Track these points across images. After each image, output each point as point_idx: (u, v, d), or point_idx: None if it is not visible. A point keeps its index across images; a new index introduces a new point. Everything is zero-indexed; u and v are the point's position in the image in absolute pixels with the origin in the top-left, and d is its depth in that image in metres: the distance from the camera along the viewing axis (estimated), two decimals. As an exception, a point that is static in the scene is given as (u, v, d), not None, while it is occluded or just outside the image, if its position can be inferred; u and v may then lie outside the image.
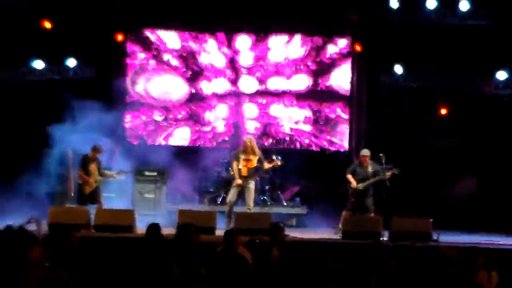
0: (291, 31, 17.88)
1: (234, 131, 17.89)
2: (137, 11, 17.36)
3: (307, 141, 17.95)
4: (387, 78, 17.22)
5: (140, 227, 12.43)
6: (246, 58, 17.96)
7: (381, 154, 14.04)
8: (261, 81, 17.99)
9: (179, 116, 17.94)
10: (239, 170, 13.98)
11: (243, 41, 17.93)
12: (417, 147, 16.94)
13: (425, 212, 13.79)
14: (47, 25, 16.57)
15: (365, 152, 14.35)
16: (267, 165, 14.24)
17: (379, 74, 17.27)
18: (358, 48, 17.42)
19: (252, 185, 14.03)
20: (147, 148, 17.37)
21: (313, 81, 17.94)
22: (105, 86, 16.75)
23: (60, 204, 15.18)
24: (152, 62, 17.86)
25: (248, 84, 17.99)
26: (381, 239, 12.57)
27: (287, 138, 17.95)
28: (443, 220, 13.55)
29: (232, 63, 17.94)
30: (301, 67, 17.91)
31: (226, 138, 17.87)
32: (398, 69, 17.04)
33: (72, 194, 14.73)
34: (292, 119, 17.99)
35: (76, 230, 9.93)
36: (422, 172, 16.58)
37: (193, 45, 17.85)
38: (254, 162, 14.04)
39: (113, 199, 15.35)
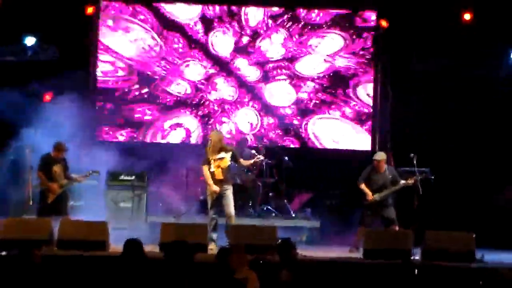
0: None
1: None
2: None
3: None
4: (419, 65, 17.18)
5: (115, 244, 12.31)
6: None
7: (412, 155, 13.99)
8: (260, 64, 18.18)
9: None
10: (212, 174, 13.73)
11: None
12: (455, 148, 16.89)
13: (466, 226, 13.76)
14: None
15: (380, 155, 14.34)
16: (244, 162, 14.09)
17: (411, 59, 17.25)
18: (384, 24, 17.37)
19: (230, 190, 13.85)
20: (122, 146, 17.30)
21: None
22: (71, 68, 16.62)
23: (15, 215, 15.08)
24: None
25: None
26: (412, 258, 12.51)
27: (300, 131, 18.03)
28: (488, 236, 13.51)
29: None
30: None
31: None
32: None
33: (31, 203, 14.58)
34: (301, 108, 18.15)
35: (36, 247, 9.80)
36: (462, 177, 16.57)
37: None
38: (227, 160, 13.74)
39: (82, 209, 15.27)
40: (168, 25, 18.04)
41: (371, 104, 18.07)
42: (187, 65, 18.08)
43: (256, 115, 18.11)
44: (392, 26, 17.37)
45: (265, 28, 18.11)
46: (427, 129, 16.91)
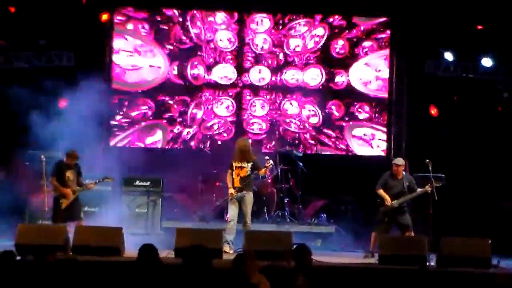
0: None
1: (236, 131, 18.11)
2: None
3: (330, 144, 18.00)
4: (434, 67, 17.13)
5: (130, 249, 12.35)
6: (260, 41, 18.17)
7: (427, 160, 13.94)
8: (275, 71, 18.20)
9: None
10: (232, 180, 14.06)
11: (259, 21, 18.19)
12: (471, 152, 16.84)
13: (481, 232, 13.70)
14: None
15: (400, 160, 14.30)
16: (262, 171, 14.20)
17: (424, 62, 17.21)
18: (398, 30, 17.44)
19: (247, 197, 14.02)
20: (137, 151, 17.33)
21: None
22: (86, 74, 16.62)
23: (30, 221, 15.13)
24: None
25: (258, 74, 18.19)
26: (427, 264, 12.47)
27: (311, 142, 17.92)
28: (504, 242, 13.45)
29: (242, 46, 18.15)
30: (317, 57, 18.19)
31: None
32: (448, 56, 16.95)
33: (46, 209, 14.59)
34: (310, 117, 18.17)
35: (51, 252, 9.83)
36: (477, 183, 16.51)
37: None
38: (247, 170, 14.02)
39: (96, 215, 15.36)
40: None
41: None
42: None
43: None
44: (406, 31, 17.33)
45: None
46: (441, 135, 16.86)
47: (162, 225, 15.89)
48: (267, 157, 15.90)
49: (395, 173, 14.18)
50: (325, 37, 18.08)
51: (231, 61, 18.12)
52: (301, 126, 18.16)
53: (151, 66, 17.99)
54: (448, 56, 17.08)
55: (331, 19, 18.09)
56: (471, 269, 12.18)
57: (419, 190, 14.00)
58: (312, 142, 18.09)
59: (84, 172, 14.43)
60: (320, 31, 18.10)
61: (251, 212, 14.11)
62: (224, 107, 18.17)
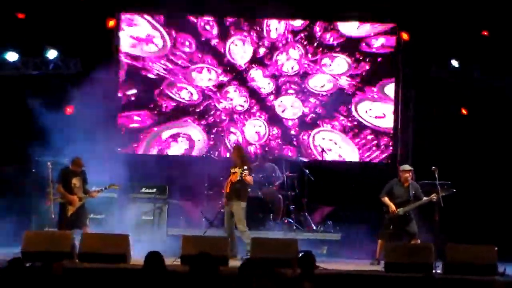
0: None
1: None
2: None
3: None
4: (440, 72, 17.17)
5: (136, 256, 12.38)
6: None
7: (433, 168, 13.96)
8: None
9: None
10: (226, 186, 14.30)
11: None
12: (477, 159, 16.84)
13: (488, 239, 13.71)
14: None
15: (408, 167, 14.31)
16: (249, 181, 14.28)
17: (430, 67, 17.25)
18: (405, 36, 17.43)
19: (234, 206, 14.14)
20: (144, 158, 17.37)
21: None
22: (93, 81, 16.68)
23: (37, 228, 15.18)
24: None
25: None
26: (433, 271, 12.50)
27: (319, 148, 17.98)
28: (510, 249, 13.45)
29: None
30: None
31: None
32: (455, 62, 16.99)
33: (52, 216, 14.62)
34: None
35: (58, 260, 9.88)
36: (483, 190, 16.51)
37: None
38: (237, 176, 14.10)
39: (103, 222, 15.38)
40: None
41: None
42: (199, 71, 18.16)
43: (264, 125, 18.17)
44: (411, 35, 17.38)
45: (284, 42, 18.15)
46: (448, 141, 16.88)
47: (168, 232, 15.88)
48: (272, 164, 16.11)
49: (403, 181, 14.19)
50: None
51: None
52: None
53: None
54: (454, 62, 17.07)
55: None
56: (477, 276, 12.20)
57: (425, 198, 14.02)
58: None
59: (91, 179, 14.47)
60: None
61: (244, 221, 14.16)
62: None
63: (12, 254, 11.35)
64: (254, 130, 18.19)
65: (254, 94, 18.17)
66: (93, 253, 12.69)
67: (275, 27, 18.17)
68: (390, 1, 17.35)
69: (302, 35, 18.15)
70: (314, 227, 16.64)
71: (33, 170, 15.84)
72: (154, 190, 16.07)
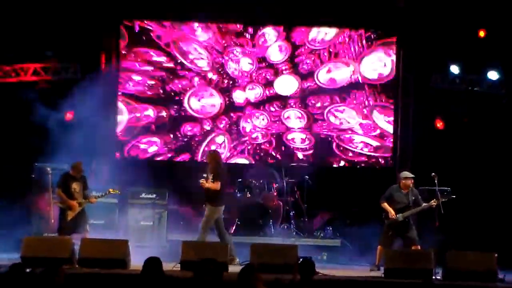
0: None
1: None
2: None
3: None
4: (440, 80, 17.20)
5: (136, 262, 12.35)
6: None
7: (433, 174, 13.98)
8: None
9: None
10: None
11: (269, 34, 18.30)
12: (477, 166, 16.86)
13: (488, 246, 13.72)
14: None
15: (409, 174, 14.32)
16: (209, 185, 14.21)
17: (430, 74, 17.28)
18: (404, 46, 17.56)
19: (207, 209, 14.15)
20: (143, 163, 17.38)
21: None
22: (92, 87, 16.68)
23: (37, 233, 15.19)
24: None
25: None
26: (433, 277, 12.51)
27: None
28: (510, 256, 13.46)
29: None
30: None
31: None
32: (455, 69, 17.02)
33: (52, 221, 14.64)
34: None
35: (57, 266, 9.87)
36: (483, 196, 16.53)
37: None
38: (209, 182, 14.07)
39: (102, 227, 15.36)
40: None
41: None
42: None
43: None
44: (411, 44, 17.42)
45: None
46: (447, 147, 16.91)
47: (167, 238, 15.89)
48: (271, 170, 16.14)
49: (403, 187, 14.20)
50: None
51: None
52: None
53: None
54: (454, 69, 17.11)
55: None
56: (477, 283, 12.22)
57: (424, 204, 14.02)
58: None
59: (90, 184, 14.48)
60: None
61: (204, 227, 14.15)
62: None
63: (12, 260, 11.40)
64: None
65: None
66: (93, 258, 12.67)
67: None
68: (390, 11, 17.36)
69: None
70: (314, 233, 16.63)
71: (33, 176, 15.85)
72: (154, 195, 16.06)
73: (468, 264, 12.69)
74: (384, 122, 18.05)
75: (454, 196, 14.27)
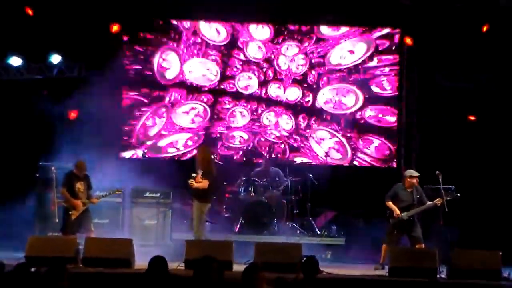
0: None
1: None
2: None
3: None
4: (444, 79, 17.21)
5: (140, 261, 12.39)
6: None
7: (437, 172, 13.99)
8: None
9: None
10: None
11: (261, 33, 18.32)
12: (482, 164, 16.86)
13: (492, 244, 13.71)
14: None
15: (414, 172, 14.32)
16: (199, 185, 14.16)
17: (434, 74, 17.28)
18: (408, 41, 17.47)
19: (194, 205, 14.12)
20: (147, 162, 17.41)
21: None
22: (97, 86, 16.72)
23: (41, 232, 15.21)
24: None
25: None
26: (438, 276, 12.53)
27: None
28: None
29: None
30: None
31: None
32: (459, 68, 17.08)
33: (56, 220, 14.65)
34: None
35: (63, 264, 9.89)
36: (488, 194, 16.53)
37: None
38: (199, 178, 13.99)
39: (106, 226, 15.41)
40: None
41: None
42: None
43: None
44: (415, 42, 17.41)
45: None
46: (452, 145, 16.91)
47: (172, 237, 15.90)
48: (276, 169, 16.16)
49: (408, 186, 14.21)
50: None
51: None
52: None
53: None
54: (459, 68, 17.13)
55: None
56: (481, 281, 12.22)
57: (429, 203, 14.03)
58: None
59: (94, 183, 14.50)
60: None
61: (202, 222, 14.15)
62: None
63: (16, 259, 11.43)
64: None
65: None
66: (97, 257, 12.68)
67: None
68: (394, 6, 17.34)
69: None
70: (318, 232, 16.65)
71: (37, 175, 15.87)
72: (158, 194, 16.06)
73: (472, 262, 12.67)
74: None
75: (458, 195, 14.26)
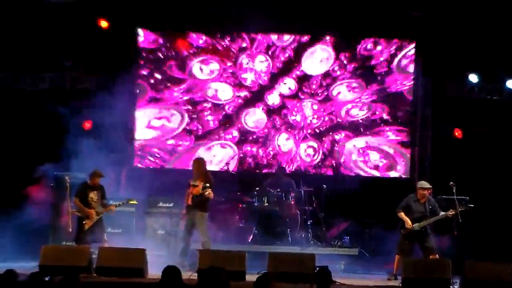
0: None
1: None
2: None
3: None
4: (456, 89, 17.20)
5: (153, 271, 12.42)
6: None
7: (451, 183, 13.97)
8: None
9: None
10: (187, 197, 14.46)
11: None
12: (496, 175, 16.82)
13: (507, 256, 13.68)
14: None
15: (426, 184, 14.29)
16: (206, 193, 14.37)
17: (446, 83, 17.27)
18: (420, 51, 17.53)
19: (197, 216, 14.33)
20: (160, 173, 17.44)
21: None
22: (111, 96, 16.77)
23: (54, 242, 15.26)
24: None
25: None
26: (451, 287, 12.49)
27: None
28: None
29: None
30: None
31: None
32: (473, 78, 17.01)
33: (70, 230, 14.68)
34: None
35: (76, 273, 9.92)
36: (502, 206, 16.46)
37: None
38: (199, 189, 14.27)
39: (119, 236, 15.42)
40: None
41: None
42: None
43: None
44: (428, 52, 17.41)
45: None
46: (465, 156, 16.88)
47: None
48: (289, 179, 16.16)
49: (420, 197, 14.19)
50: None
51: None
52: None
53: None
54: (473, 78, 17.09)
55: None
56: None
57: (441, 213, 14.01)
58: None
59: (108, 193, 14.55)
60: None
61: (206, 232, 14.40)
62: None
63: (30, 268, 11.46)
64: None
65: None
66: (110, 267, 12.72)
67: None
68: (408, 18, 17.35)
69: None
70: (332, 242, 16.63)
71: (52, 185, 15.92)
72: (172, 204, 16.06)
73: (486, 274, 12.58)
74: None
75: (472, 205, 14.25)
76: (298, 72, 18.13)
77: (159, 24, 17.99)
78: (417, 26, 17.39)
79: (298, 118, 18.10)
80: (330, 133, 18.06)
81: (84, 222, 14.03)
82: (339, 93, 18.11)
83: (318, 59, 18.12)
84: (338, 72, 18.08)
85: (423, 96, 17.84)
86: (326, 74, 18.11)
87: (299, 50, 18.10)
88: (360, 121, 18.06)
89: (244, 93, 18.13)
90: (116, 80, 16.95)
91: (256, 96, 18.14)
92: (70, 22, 16.62)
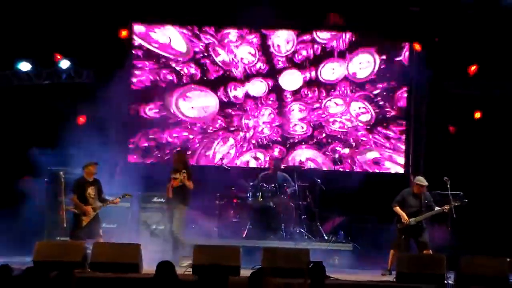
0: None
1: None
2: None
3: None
4: (453, 85, 17.21)
5: (147, 266, 12.43)
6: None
7: (445, 178, 13.99)
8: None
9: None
10: (167, 189, 14.51)
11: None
12: (490, 170, 16.84)
13: (500, 251, 13.69)
14: None
15: (422, 180, 14.30)
16: (190, 185, 14.51)
17: (443, 79, 17.28)
18: (417, 47, 17.47)
19: (176, 210, 14.42)
20: (154, 167, 17.44)
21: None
22: (105, 92, 16.75)
23: (49, 237, 15.25)
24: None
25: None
26: (445, 282, 12.49)
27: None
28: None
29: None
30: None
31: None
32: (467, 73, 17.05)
33: (65, 225, 14.65)
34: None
35: (71, 269, 9.92)
36: (496, 201, 16.51)
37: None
38: (178, 181, 14.37)
39: (114, 231, 15.42)
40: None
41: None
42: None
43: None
44: (425, 49, 17.42)
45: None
46: (460, 152, 16.90)
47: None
48: (284, 174, 16.17)
49: (417, 192, 14.20)
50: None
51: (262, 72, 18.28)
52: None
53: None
54: (467, 72, 17.13)
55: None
56: (489, 288, 12.23)
57: (437, 208, 14.02)
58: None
59: (104, 189, 14.51)
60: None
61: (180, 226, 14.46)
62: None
63: (24, 263, 11.45)
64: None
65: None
66: (105, 262, 12.68)
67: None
68: (403, 13, 17.35)
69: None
70: (326, 237, 16.65)
71: (46, 180, 15.91)
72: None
73: (480, 269, 12.60)
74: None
75: (466, 201, 14.26)
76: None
77: (153, 17, 18.00)
78: (414, 22, 17.41)
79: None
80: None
81: (81, 218, 13.97)
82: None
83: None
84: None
85: (418, 92, 17.85)
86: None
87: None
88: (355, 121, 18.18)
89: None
90: (112, 75, 16.94)
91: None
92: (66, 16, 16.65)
